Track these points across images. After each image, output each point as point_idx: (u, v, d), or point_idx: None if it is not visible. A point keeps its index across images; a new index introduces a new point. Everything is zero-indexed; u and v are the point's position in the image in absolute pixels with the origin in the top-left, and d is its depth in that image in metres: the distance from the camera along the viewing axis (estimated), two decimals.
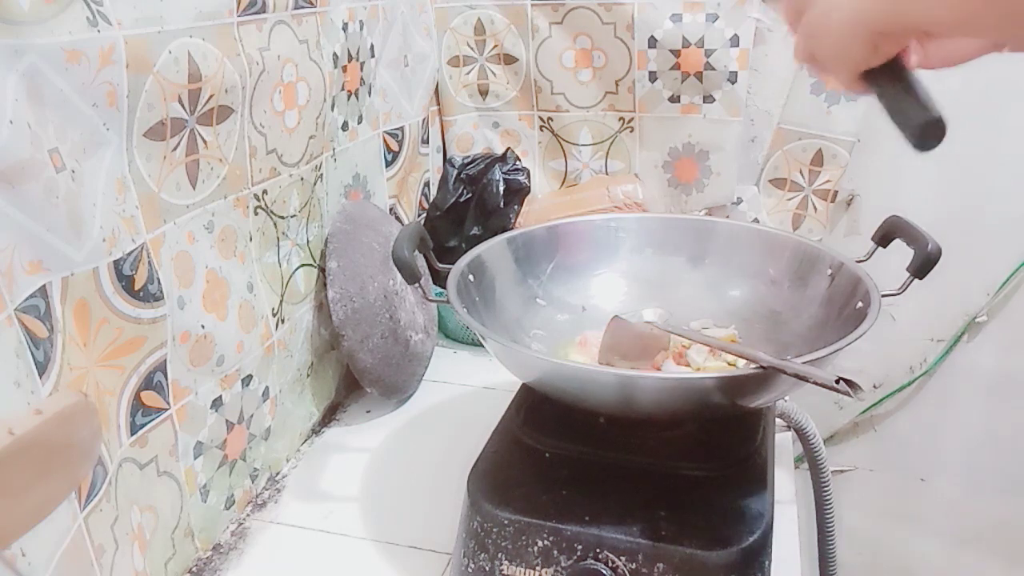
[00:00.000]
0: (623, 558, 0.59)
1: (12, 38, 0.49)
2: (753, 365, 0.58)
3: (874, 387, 1.22)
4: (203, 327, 0.70)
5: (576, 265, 0.86)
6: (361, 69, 0.96)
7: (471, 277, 0.76)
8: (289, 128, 0.81)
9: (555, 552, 0.60)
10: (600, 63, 1.15)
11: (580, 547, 0.60)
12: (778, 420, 0.86)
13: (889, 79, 0.47)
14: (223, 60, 0.68)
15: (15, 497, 0.34)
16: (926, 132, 0.46)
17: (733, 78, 1.10)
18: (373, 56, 0.98)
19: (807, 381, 0.56)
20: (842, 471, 1.28)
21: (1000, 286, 1.12)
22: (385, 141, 1.05)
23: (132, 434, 0.63)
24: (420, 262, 0.81)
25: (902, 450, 1.25)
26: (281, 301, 0.84)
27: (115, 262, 0.59)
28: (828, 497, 1.00)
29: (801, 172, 1.15)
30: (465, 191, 1.15)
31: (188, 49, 0.64)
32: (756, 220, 1.18)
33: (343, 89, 0.92)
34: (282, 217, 0.82)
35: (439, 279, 0.85)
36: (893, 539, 1.29)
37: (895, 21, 0.45)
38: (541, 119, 1.21)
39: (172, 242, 0.66)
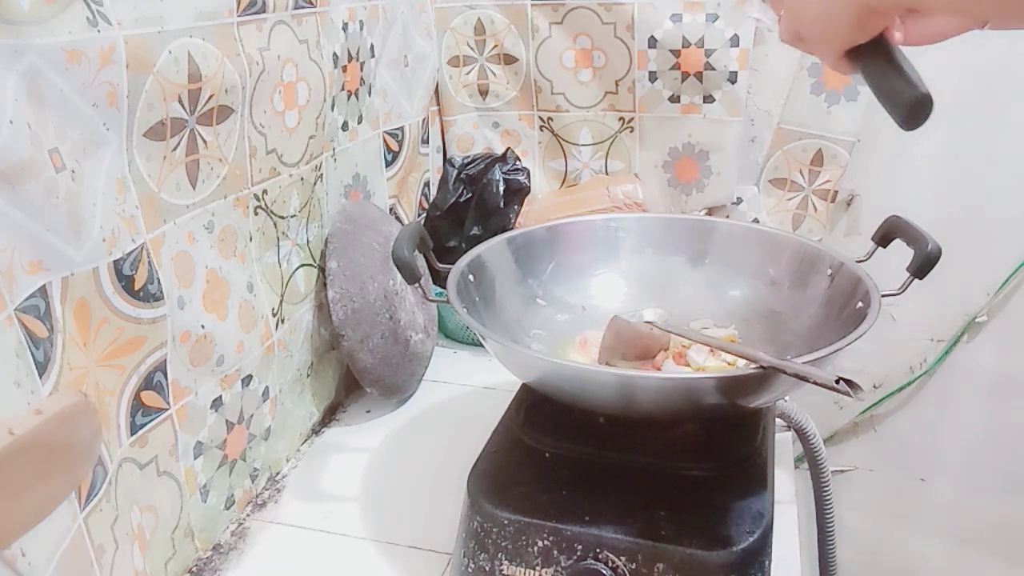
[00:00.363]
0: (623, 558, 0.59)
1: (12, 38, 0.49)
2: (753, 365, 0.58)
3: (874, 387, 1.22)
4: (203, 327, 0.70)
5: (576, 265, 0.86)
6: (361, 69, 0.95)
7: (471, 277, 0.76)
8: (289, 128, 0.81)
9: (555, 552, 0.60)
10: (600, 63, 1.15)
11: (580, 547, 0.60)
12: (778, 420, 0.86)
13: (875, 56, 0.47)
14: (223, 60, 0.68)
15: (15, 497, 0.34)
16: (915, 109, 0.45)
17: (733, 78, 1.10)
18: (373, 56, 0.98)
19: (807, 381, 0.56)
20: (842, 471, 1.28)
21: (1000, 286, 1.12)
22: (385, 141, 1.05)
23: (132, 434, 0.63)
24: (420, 262, 0.81)
25: (902, 450, 1.25)
26: (281, 301, 0.84)
27: (115, 262, 0.59)
28: (828, 497, 1.00)
29: (801, 172, 1.15)
30: (465, 191, 1.15)
31: (188, 49, 0.64)
32: (756, 220, 1.18)
33: (343, 89, 0.92)
34: (282, 217, 0.82)
35: (439, 279, 0.85)
36: (893, 539, 1.29)
37: (880, 4, 0.45)
38: (541, 119, 1.21)
39: (172, 242, 0.66)
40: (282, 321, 0.84)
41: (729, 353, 0.71)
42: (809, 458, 0.96)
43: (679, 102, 1.14)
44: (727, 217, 1.17)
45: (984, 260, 1.11)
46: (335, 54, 0.88)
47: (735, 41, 1.08)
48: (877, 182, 1.13)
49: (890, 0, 0.45)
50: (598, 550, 0.59)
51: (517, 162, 1.17)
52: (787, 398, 0.88)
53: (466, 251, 0.79)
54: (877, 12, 0.45)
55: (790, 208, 1.17)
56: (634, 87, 1.15)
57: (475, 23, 1.17)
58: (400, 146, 1.08)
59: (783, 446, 0.85)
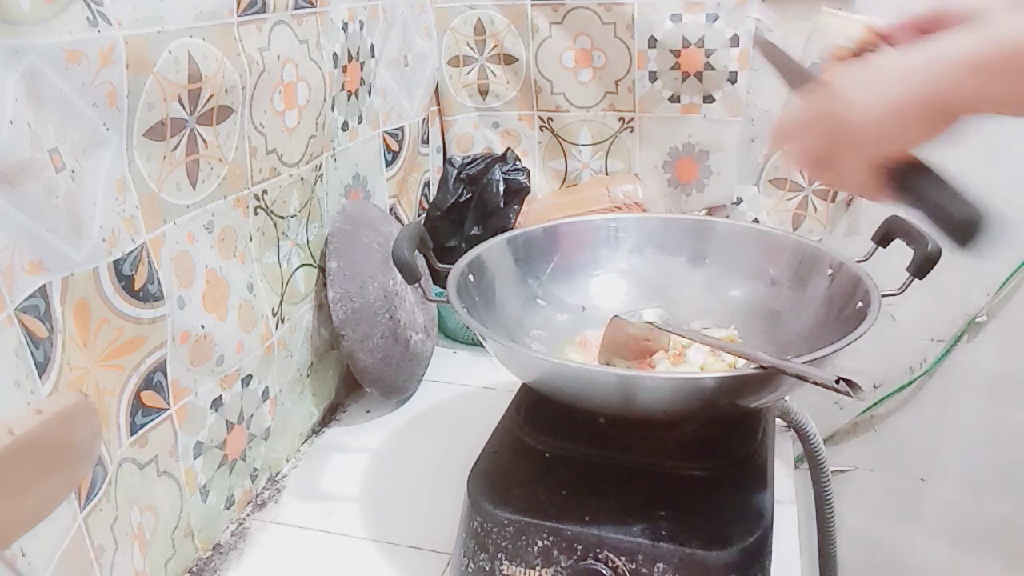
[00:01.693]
0: (623, 558, 0.59)
1: (12, 38, 0.49)
2: (753, 365, 0.58)
3: (874, 387, 1.22)
4: (203, 327, 0.70)
5: (576, 265, 0.86)
6: (361, 69, 0.95)
7: (471, 277, 0.76)
8: (289, 128, 0.80)
9: (555, 552, 0.60)
10: (600, 63, 1.15)
11: (580, 547, 0.60)
12: (778, 420, 0.86)
13: (920, 175, 0.45)
14: (223, 60, 0.68)
15: (15, 497, 0.34)
16: (972, 229, 0.43)
17: (733, 78, 1.10)
18: (373, 56, 0.98)
19: (807, 381, 0.56)
20: (842, 471, 1.28)
21: (1000, 286, 1.12)
22: (385, 141, 1.05)
23: (132, 434, 0.63)
24: (420, 262, 0.81)
25: (902, 450, 1.25)
26: (281, 301, 0.84)
27: (115, 262, 0.59)
28: (828, 497, 0.99)
29: (801, 172, 1.15)
30: (465, 191, 1.15)
31: (188, 49, 0.64)
32: (756, 220, 1.18)
33: (343, 89, 0.92)
34: (282, 217, 0.82)
35: (439, 279, 0.85)
36: (893, 539, 1.29)
37: (955, 103, 0.40)
38: (541, 119, 1.21)
39: (172, 242, 0.66)
40: (282, 321, 0.84)
41: (729, 353, 0.71)
42: (809, 458, 0.96)
43: (679, 102, 1.14)
44: (727, 217, 1.17)
45: (984, 260, 1.11)
46: (335, 54, 0.88)
47: (735, 41, 1.08)
48: None
49: (972, 104, 0.40)
50: (598, 550, 0.59)
51: (517, 162, 1.17)
52: (787, 398, 0.88)
53: (466, 251, 0.79)
54: (952, 113, 0.41)
55: (790, 208, 1.17)
56: (634, 87, 1.15)
57: (475, 23, 1.17)
58: (400, 146, 1.08)
59: (783, 446, 0.85)
